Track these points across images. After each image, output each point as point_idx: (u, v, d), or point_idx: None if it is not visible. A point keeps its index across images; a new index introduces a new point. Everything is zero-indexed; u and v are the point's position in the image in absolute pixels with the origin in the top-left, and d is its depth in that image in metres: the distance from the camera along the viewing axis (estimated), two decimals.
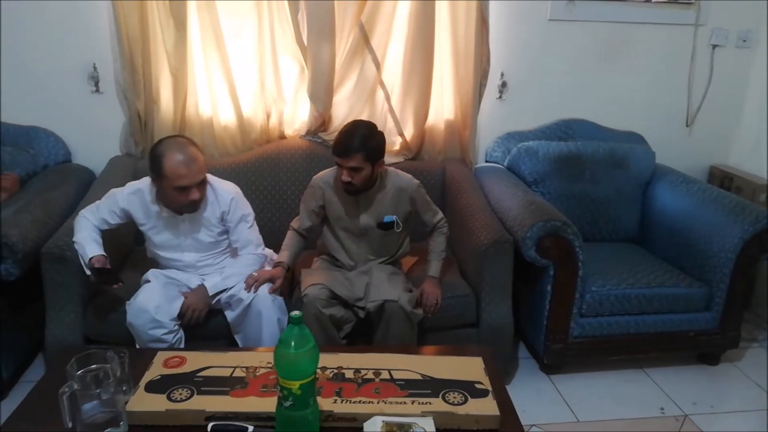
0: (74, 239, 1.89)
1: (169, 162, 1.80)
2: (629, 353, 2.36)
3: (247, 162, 2.51)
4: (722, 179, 2.92)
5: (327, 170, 2.10)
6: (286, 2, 2.35)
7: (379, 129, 1.99)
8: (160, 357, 1.48)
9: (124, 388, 1.33)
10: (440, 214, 2.15)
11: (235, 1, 2.38)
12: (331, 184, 2.06)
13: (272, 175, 2.50)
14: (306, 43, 2.40)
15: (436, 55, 2.54)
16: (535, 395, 2.22)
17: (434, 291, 2.06)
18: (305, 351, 1.17)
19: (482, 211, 2.29)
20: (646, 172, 2.75)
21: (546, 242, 2.12)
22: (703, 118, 2.94)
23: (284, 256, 2.08)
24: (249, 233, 2.06)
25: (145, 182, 1.96)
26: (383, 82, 2.55)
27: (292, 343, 1.16)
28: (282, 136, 2.61)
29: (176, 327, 1.89)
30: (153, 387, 1.36)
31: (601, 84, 2.83)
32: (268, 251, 2.14)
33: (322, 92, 2.47)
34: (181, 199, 1.86)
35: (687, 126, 2.95)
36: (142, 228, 2.00)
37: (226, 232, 2.05)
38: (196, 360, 1.47)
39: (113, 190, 1.98)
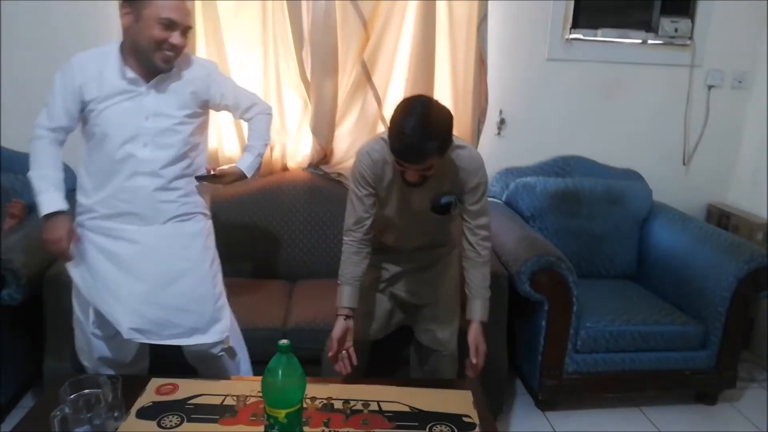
0: (29, 173, 1.65)
1: None
2: (625, 391, 2.35)
3: (251, 192, 2.56)
4: (719, 217, 2.95)
5: (372, 141, 1.67)
6: (290, 38, 2.43)
7: (439, 104, 1.51)
8: (153, 384, 1.51)
9: (116, 414, 1.36)
10: (488, 230, 1.70)
11: (241, 35, 2.47)
12: (382, 159, 1.62)
13: (275, 206, 2.54)
14: (309, 79, 2.48)
15: (436, 92, 2.60)
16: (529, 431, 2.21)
17: (483, 341, 1.68)
18: (292, 380, 1.20)
19: None
20: (643, 209, 2.77)
21: (540, 277, 2.14)
22: (700, 157, 2.98)
23: (342, 297, 1.66)
24: (245, 93, 1.85)
25: (113, 44, 1.67)
26: (384, 117, 2.61)
27: (280, 372, 1.19)
28: (285, 168, 2.67)
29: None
30: (144, 413, 1.39)
31: (598, 122, 2.89)
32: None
33: (324, 126, 2.54)
34: (161, 39, 1.55)
35: (684, 164, 2.98)
36: (91, 107, 1.62)
37: (194, 130, 1.73)
38: (188, 387, 1.50)
39: (67, 63, 1.65)
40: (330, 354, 1.63)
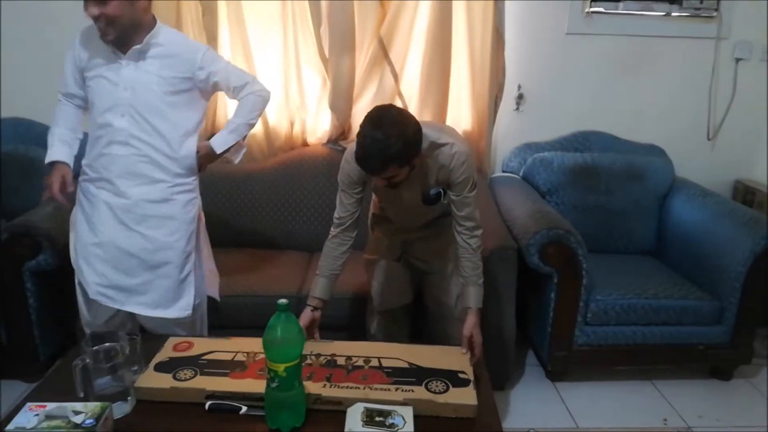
0: (50, 131, 1.82)
1: None
2: (636, 363, 2.37)
3: (272, 167, 2.67)
4: (745, 194, 2.89)
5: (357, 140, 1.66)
6: (309, 17, 2.50)
7: (409, 118, 1.53)
8: (171, 342, 1.62)
9: (135, 368, 1.48)
10: (474, 220, 1.72)
11: (262, 15, 2.54)
12: None
13: (295, 180, 2.64)
14: (327, 56, 2.54)
15: (453, 68, 2.63)
16: (537, 400, 2.27)
17: (479, 332, 1.68)
18: (290, 336, 1.29)
19: (490, 218, 2.35)
20: (664, 185, 2.75)
21: (549, 250, 2.17)
22: (726, 132, 2.92)
23: (316, 288, 1.73)
24: (239, 73, 1.86)
25: None
26: (401, 93, 2.65)
27: (279, 329, 1.28)
28: (305, 144, 2.76)
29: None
30: (161, 367, 1.50)
31: (619, 96, 2.86)
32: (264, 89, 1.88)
33: (342, 103, 2.60)
34: (88, 14, 1.62)
35: (709, 140, 2.93)
36: (85, 75, 1.76)
37: (175, 106, 1.76)
38: (202, 345, 1.61)
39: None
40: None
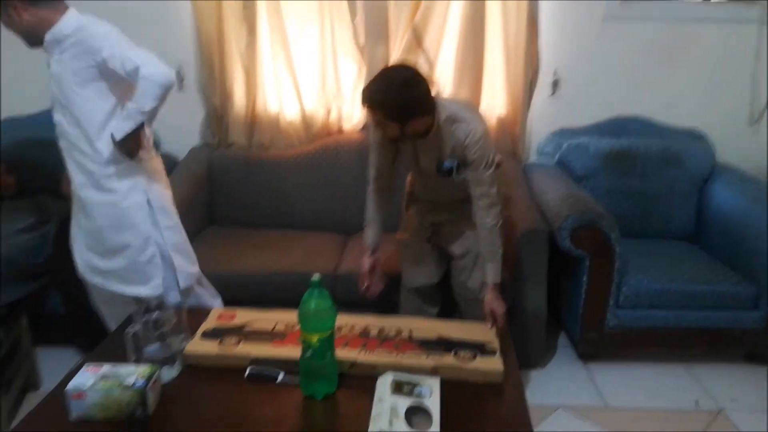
0: None
1: None
2: (669, 347, 2.38)
3: (309, 153, 2.76)
4: None
5: None
6: (345, 7, 2.57)
7: (418, 81, 1.65)
8: (215, 313, 1.73)
9: (182, 336, 1.59)
10: (489, 197, 1.77)
11: (299, 6, 2.63)
12: None
13: (331, 165, 2.73)
14: (362, 45, 2.61)
15: (487, 53, 2.66)
16: (568, 380, 2.30)
17: (500, 303, 1.75)
18: (323, 310, 1.37)
19: (523, 202, 2.39)
20: (703, 170, 2.72)
21: (581, 233, 2.19)
22: None
23: (368, 237, 1.96)
24: (133, 55, 1.68)
25: None
26: (435, 81, 2.70)
27: (312, 302, 1.37)
28: (340, 130, 2.84)
29: None
30: (207, 335, 1.61)
31: (657, 82, 2.83)
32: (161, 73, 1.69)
33: None
34: None
35: (751, 125, 2.87)
36: None
37: (88, 97, 1.73)
38: (244, 316, 1.71)
39: None
40: (362, 288, 1.96)
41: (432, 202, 2.00)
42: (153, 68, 1.68)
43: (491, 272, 1.80)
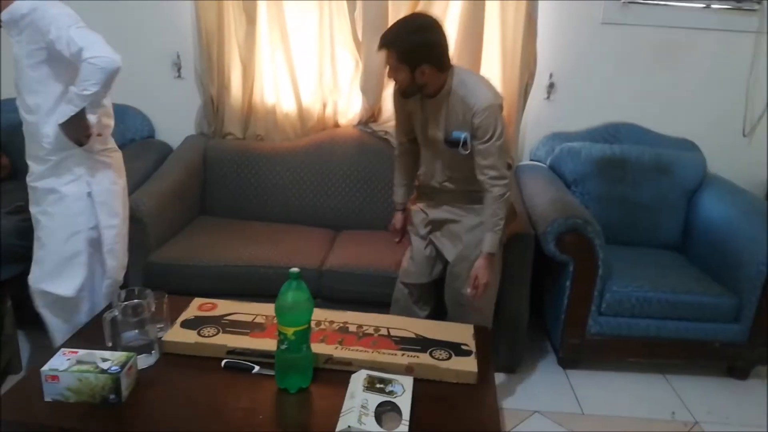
0: None
1: None
2: (649, 356, 2.39)
3: (304, 147, 2.77)
4: None
5: None
6: (344, 1, 2.57)
7: (434, 29, 1.74)
8: (196, 302, 1.75)
9: (161, 325, 1.61)
10: (497, 170, 1.80)
11: None
12: None
13: (326, 160, 2.73)
14: (360, 40, 2.62)
15: (484, 54, 2.66)
16: (546, 385, 2.32)
17: (485, 273, 1.84)
18: (300, 302, 1.39)
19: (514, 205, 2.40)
20: (693, 180, 2.73)
21: (566, 238, 2.20)
22: (763, 129, 2.85)
23: (397, 196, 2.14)
24: (77, 35, 1.63)
25: None
26: None
27: (289, 295, 1.38)
28: (336, 125, 2.85)
29: None
30: (187, 324, 1.63)
31: (653, 89, 2.83)
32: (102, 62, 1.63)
33: (373, 86, 2.67)
34: None
35: (744, 136, 2.88)
36: None
37: (40, 78, 1.71)
38: (225, 307, 1.74)
39: None
40: (397, 240, 2.16)
41: (433, 191, 2.01)
42: (97, 51, 1.63)
43: (488, 241, 1.84)
